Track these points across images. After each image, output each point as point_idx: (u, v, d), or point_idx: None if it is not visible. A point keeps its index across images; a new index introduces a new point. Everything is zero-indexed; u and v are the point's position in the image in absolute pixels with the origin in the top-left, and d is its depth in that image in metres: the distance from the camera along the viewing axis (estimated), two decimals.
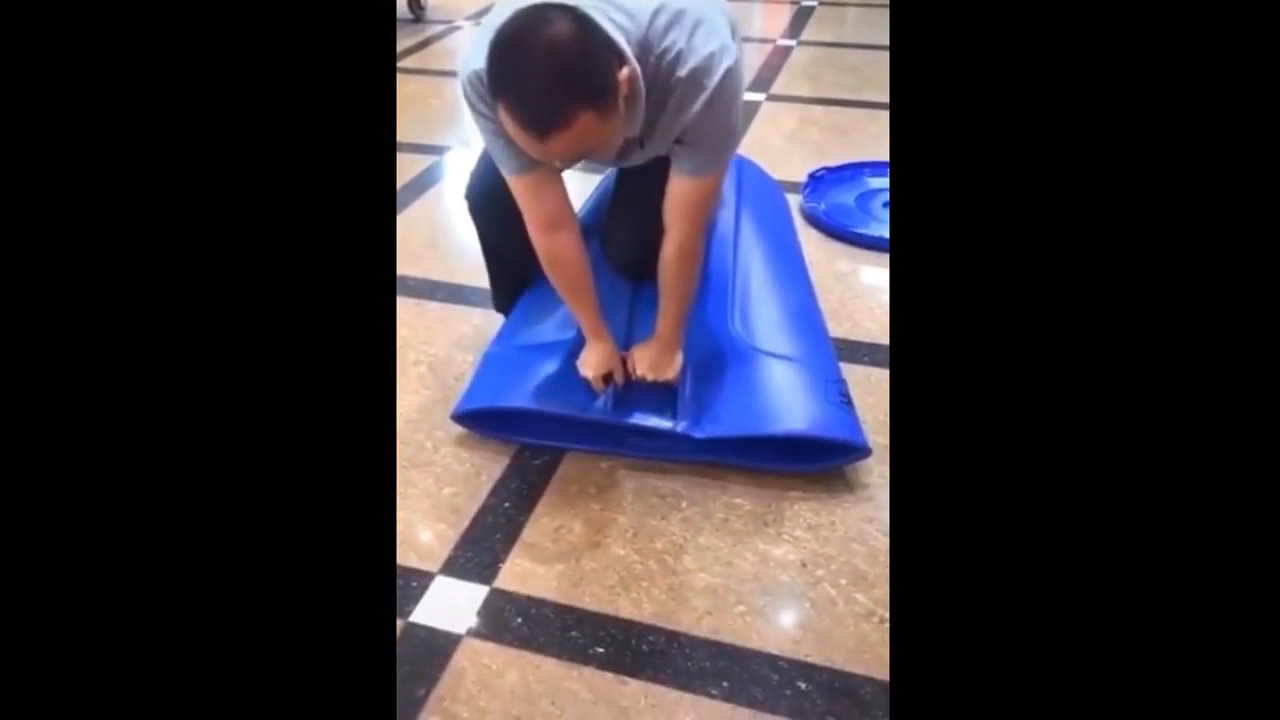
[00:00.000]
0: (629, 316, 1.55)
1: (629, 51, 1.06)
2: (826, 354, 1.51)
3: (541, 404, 1.42)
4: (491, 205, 1.43)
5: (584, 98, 0.99)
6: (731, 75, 1.13)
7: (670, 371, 1.42)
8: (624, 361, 1.44)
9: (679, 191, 1.26)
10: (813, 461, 1.39)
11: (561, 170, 1.26)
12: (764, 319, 1.53)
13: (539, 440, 1.47)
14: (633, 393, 1.45)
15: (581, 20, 1.01)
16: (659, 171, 1.28)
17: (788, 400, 1.40)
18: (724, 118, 1.17)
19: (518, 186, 1.27)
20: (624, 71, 1.04)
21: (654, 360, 1.42)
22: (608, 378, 1.43)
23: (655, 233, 1.32)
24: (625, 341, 1.50)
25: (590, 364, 1.42)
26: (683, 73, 1.11)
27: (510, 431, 1.48)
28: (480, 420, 1.48)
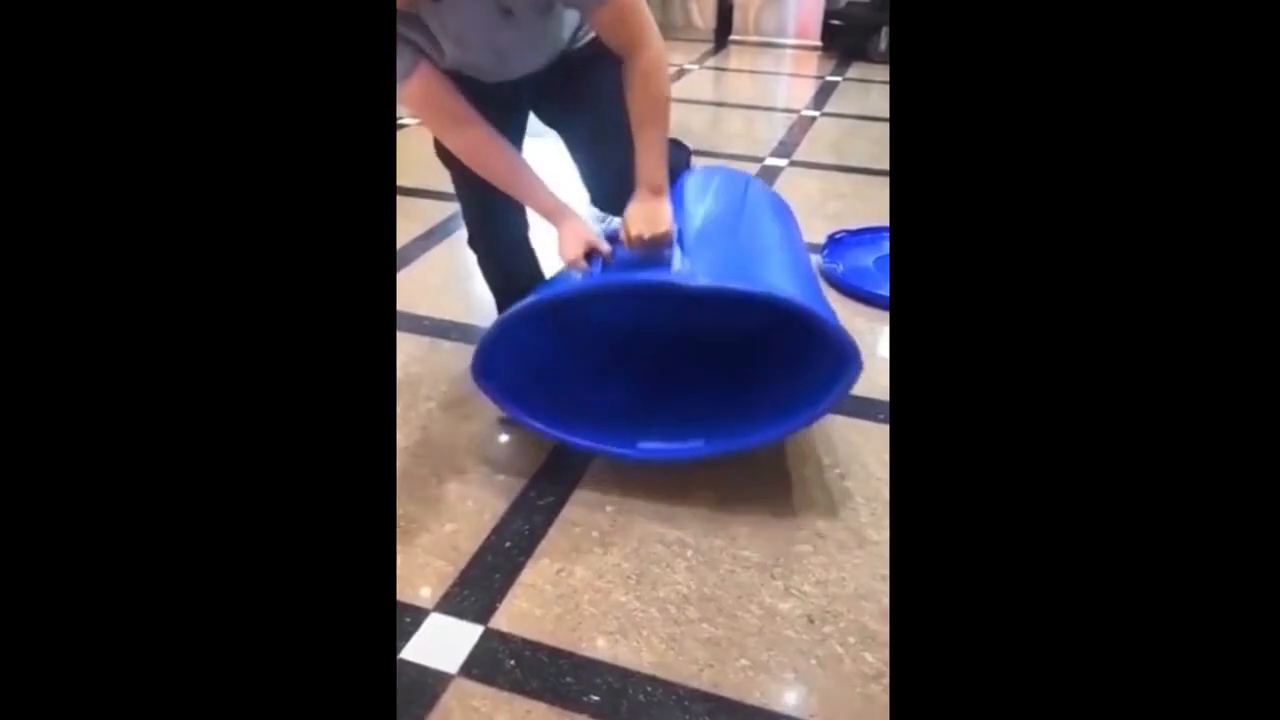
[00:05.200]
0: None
1: None
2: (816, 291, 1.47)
3: (546, 294, 1.36)
4: (489, 243, 1.51)
5: None
6: None
7: (665, 223, 1.29)
8: (603, 239, 1.36)
9: (603, 26, 1.24)
10: (804, 410, 1.35)
11: (451, 69, 1.26)
12: (763, 260, 1.47)
13: (549, 428, 1.43)
14: (625, 259, 1.35)
15: None
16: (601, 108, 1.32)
17: (780, 279, 1.35)
18: None
19: (411, 96, 1.23)
20: None
21: (646, 214, 1.30)
22: (589, 255, 1.34)
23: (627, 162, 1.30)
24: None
25: (569, 246, 1.32)
26: None
27: (524, 407, 1.43)
28: (499, 382, 1.42)
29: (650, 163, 1.30)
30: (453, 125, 1.30)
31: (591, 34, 1.37)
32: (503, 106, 1.36)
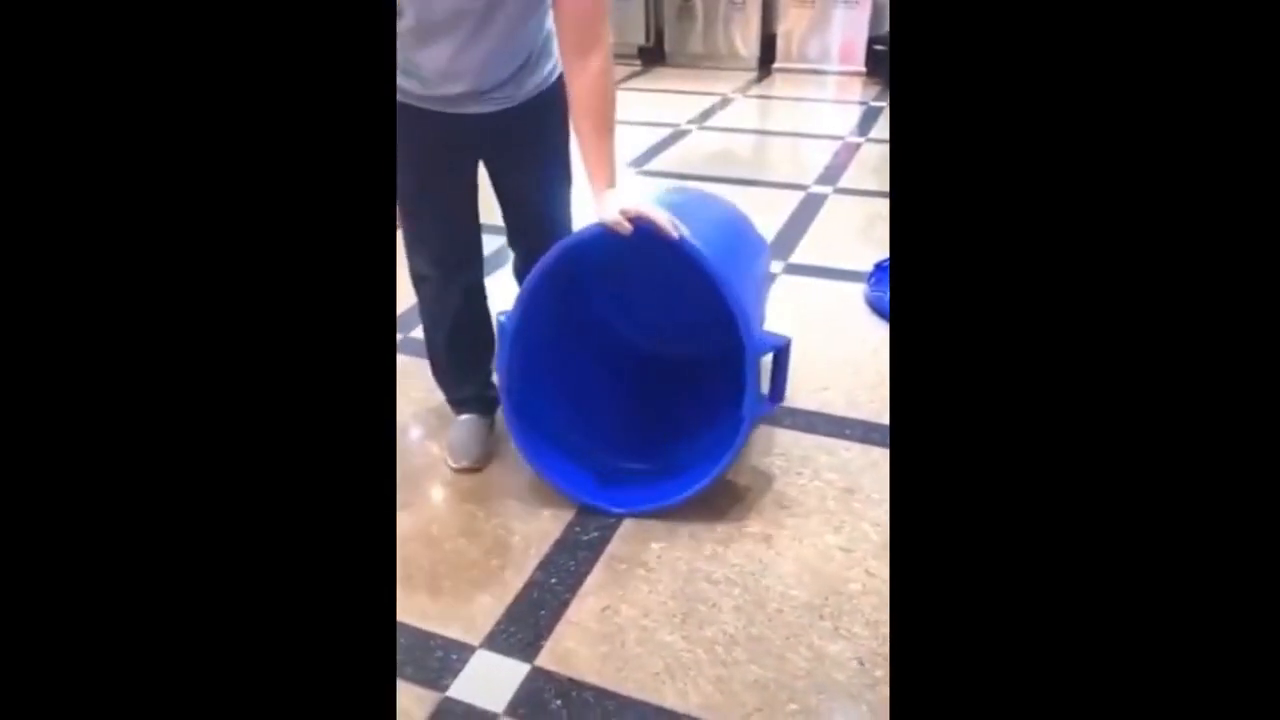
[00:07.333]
0: None
1: None
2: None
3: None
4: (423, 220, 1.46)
5: None
6: None
7: (644, 204, 1.29)
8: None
9: (574, 15, 1.21)
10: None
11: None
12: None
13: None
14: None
15: None
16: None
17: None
18: None
19: None
20: None
21: (623, 200, 1.28)
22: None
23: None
24: None
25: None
26: None
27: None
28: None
29: (609, 160, 1.30)
30: None
31: (550, 82, 1.37)
32: (457, 152, 1.39)
